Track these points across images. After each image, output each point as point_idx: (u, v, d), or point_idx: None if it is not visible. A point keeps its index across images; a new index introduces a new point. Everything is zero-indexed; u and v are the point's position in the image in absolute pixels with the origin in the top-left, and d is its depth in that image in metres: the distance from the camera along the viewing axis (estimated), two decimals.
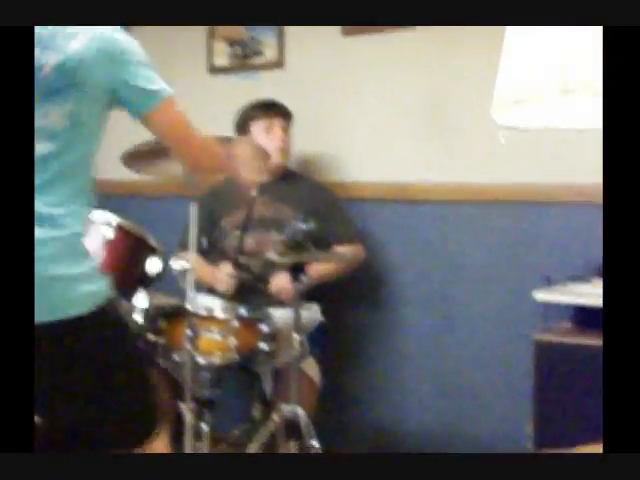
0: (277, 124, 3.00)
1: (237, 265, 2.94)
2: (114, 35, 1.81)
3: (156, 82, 1.84)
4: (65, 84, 1.74)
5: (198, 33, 3.60)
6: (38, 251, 1.67)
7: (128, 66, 1.81)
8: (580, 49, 1.04)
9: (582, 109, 1.19)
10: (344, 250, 3.01)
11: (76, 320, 1.82)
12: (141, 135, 2.22)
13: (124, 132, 2.16)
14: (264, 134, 2.92)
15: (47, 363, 1.78)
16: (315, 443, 2.53)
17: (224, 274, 2.90)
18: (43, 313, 1.71)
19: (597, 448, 1.53)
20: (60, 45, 1.74)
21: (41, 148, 1.71)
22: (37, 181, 1.67)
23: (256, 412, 2.94)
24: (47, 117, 1.75)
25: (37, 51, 1.70)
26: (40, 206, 1.70)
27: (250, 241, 2.98)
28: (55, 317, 1.77)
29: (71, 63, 1.73)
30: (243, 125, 2.97)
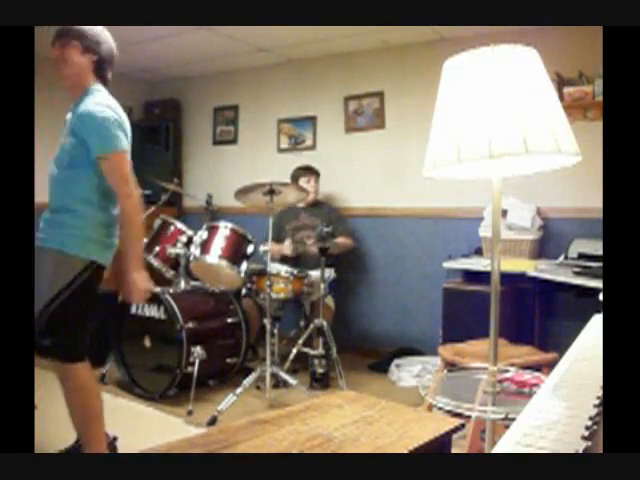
0: (312, 178, 4.11)
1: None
2: None
3: None
4: None
5: (272, 126, 4.62)
6: None
7: None
8: (470, 133, 1.25)
9: (468, 170, 1.48)
10: (343, 240, 3.99)
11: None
12: (247, 179, 3.09)
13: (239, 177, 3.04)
14: (306, 183, 4.06)
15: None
16: (333, 342, 3.42)
17: (287, 244, 3.90)
18: None
19: (483, 344, 2.12)
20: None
21: None
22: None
23: (301, 323, 4.02)
24: None
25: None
26: None
27: (299, 236, 4.08)
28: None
29: None
30: (295, 178, 4.15)
